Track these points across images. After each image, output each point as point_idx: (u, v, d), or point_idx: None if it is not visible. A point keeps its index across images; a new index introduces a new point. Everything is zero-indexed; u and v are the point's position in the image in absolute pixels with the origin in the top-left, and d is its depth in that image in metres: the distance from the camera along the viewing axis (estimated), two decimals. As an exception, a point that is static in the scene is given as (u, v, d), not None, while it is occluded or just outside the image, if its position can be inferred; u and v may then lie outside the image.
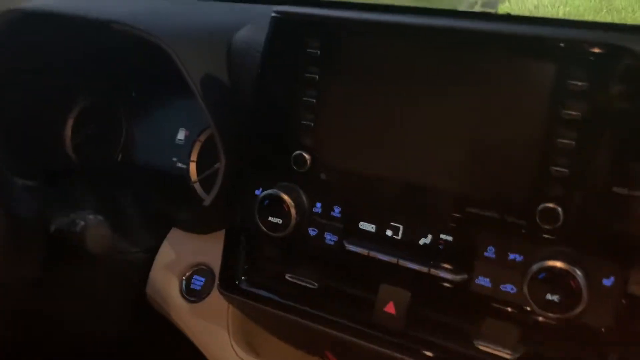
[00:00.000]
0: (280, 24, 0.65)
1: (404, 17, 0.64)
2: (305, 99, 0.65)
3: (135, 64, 0.97)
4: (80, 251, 0.63)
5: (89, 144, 1.00)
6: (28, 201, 0.59)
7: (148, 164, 0.97)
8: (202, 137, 0.92)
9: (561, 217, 0.54)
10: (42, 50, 0.88)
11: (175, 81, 0.94)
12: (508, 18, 0.91)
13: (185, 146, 0.94)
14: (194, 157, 0.91)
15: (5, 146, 0.88)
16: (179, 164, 0.94)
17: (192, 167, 0.91)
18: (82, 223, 0.62)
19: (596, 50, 0.51)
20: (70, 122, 1.00)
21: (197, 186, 0.90)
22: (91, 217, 0.64)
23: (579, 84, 0.52)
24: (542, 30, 0.58)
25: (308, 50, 0.63)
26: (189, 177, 0.91)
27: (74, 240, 0.62)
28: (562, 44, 0.53)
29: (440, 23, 0.61)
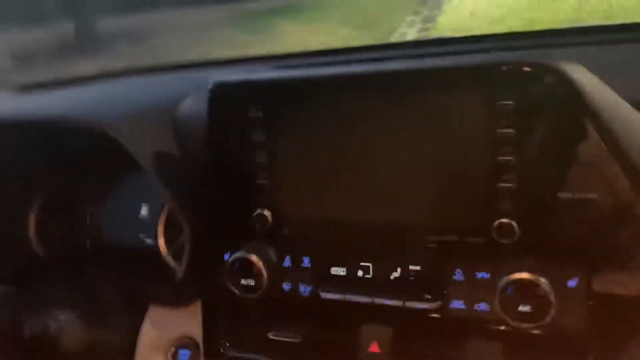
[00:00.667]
0: (219, 94, 0.67)
1: (336, 68, 0.67)
2: (257, 160, 0.66)
3: (86, 148, 0.97)
4: (55, 353, 0.62)
5: (54, 236, 0.99)
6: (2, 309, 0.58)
7: (117, 245, 0.97)
8: (166, 209, 0.92)
9: (517, 230, 0.56)
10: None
11: (129, 158, 0.96)
12: (440, 42, 0.95)
13: (150, 221, 0.94)
14: (160, 232, 0.92)
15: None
16: (148, 240, 0.94)
17: (161, 241, 0.91)
18: (54, 325, 0.62)
19: (515, 70, 0.54)
20: (32, 218, 1.00)
21: (169, 259, 0.90)
22: (62, 317, 0.63)
23: (507, 103, 0.55)
24: (466, 59, 0.61)
25: (250, 115, 0.65)
26: (159, 252, 0.91)
27: (49, 345, 0.62)
28: (485, 70, 0.56)
29: (370, 69, 0.63)
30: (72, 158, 0.97)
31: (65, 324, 0.63)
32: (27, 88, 1.10)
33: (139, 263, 0.92)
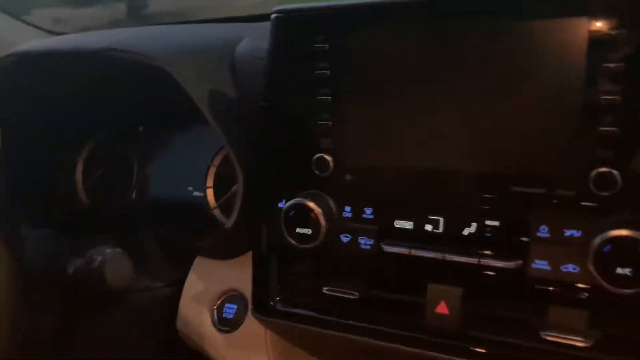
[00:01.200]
0: (283, 23, 0.61)
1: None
2: (319, 97, 0.60)
3: (137, 98, 0.94)
4: (102, 292, 0.58)
5: (101, 185, 0.97)
6: (41, 252, 0.55)
7: (163, 197, 0.93)
8: (216, 161, 0.88)
9: (619, 181, 0.49)
10: (43, 94, 0.86)
11: (180, 109, 0.92)
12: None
13: (199, 173, 0.90)
14: (209, 182, 0.88)
15: (16, 197, 0.85)
16: (196, 192, 0.91)
17: (210, 193, 0.87)
18: (100, 258, 0.58)
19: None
20: (80, 166, 0.97)
21: (217, 212, 0.86)
22: (108, 250, 0.59)
23: (617, 32, 0.47)
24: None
25: (315, 45, 0.60)
26: (207, 204, 0.87)
27: (93, 279, 0.58)
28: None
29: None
30: (124, 107, 0.94)
31: (108, 258, 0.59)
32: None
33: (185, 215, 0.89)
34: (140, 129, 0.97)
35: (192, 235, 0.80)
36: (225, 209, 0.86)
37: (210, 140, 0.89)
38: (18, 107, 0.83)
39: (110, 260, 0.59)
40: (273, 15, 0.62)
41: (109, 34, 0.77)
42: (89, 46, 0.70)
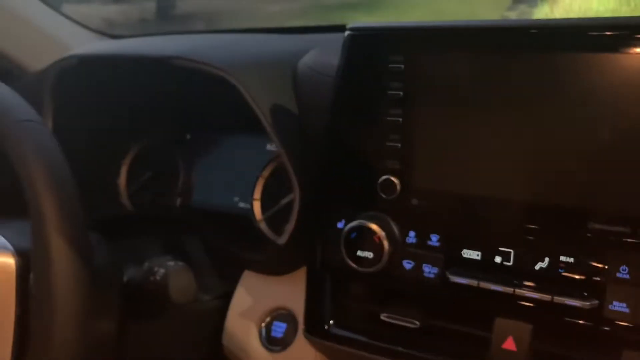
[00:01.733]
0: (357, 40, 0.60)
1: (490, 22, 0.59)
2: (389, 118, 0.59)
3: (188, 105, 0.94)
4: (154, 301, 0.57)
5: (145, 190, 0.96)
6: (101, 253, 0.54)
7: (208, 206, 0.92)
8: (265, 173, 0.87)
9: None
10: (97, 97, 0.85)
11: (229, 119, 0.91)
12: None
13: (246, 184, 0.88)
14: (257, 195, 0.86)
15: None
16: (241, 204, 0.89)
17: (256, 205, 0.86)
18: (163, 271, 0.57)
19: None
20: (124, 170, 0.97)
21: (263, 225, 0.85)
22: (172, 263, 0.58)
23: None
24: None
25: (390, 65, 0.58)
26: (253, 217, 0.86)
27: (154, 290, 0.57)
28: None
29: (539, 23, 0.55)
30: (173, 112, 0.93)
31: (172, 272, 0.58)
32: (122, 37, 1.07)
33: (231, 226, 0.87)
34: (188, 136, 0.96)
35: (239, 247, 0.79)
36: (271, 222, 0.84)
37: (259, 151, 0.88)
38: (71, 109, 0.83)
39: (174, 274, 0.58)
40: (347, 33, 0.61)
41: (172, 41, 0.77)
42: (156, 53, 0.69)
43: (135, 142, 0.97)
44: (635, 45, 0.49)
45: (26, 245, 0.54)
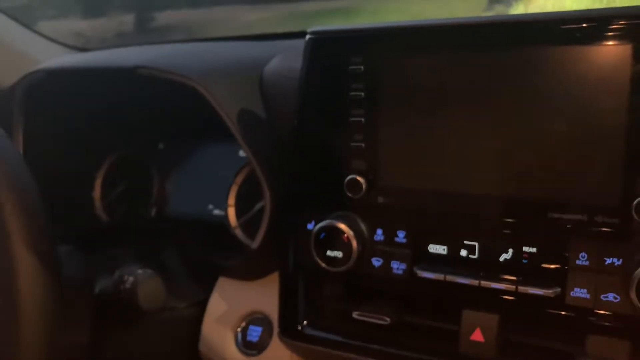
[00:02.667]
0: (318, 43, 0.61)
1: (448, 20, 0.60)
2: (352, 119, 0.60)
3: (158, 114, 0.94)
4: (127, 311, 0.57)
5: (119, 202, 0.96)
6: (72, 265, 0.54)
7: (183, 215, 0.93)
8: (238, 180, 0.87)
9: (663, 210, 0.48)
10: (66, 110, 0.86)
11: (200, 127, 0.92)
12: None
13: (220, 191, 0.89)
14: (231, 201, 0.87)
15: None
16: (216, 211, 0.90)
17: (231, 212, 0.86)
18: (132, 279, 0.57)
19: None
20: (98, 182, 0.97)
21: (238, 231, 0.85)
22: (140, 271, 0.59)
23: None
24: (613, 11, 0.53)
25: (350, 67, 0.59)
26: (228, 223, 0.86)
27: (124, 298, 0.57)
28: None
29: (495, 19, 0.56)
30: (145, 123, 0.94)
31: (140, 279, 0.58)
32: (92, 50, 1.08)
33: (206, 234, 0.88)
34: (161, 145, 0.96)
35: (214, 254, 0.79)
36: (247, 228, 0.85)
37: (232, 158, 0.89)
38: (42, 123, 0.83)
39: (143, 282, 0.58)
40: (308, 36, 0.62)
41: (139, 52, 0.77)
42: (122, 64, 0.70)
43: (109, 154, 0.97)
44: (597, 38, 0.50)
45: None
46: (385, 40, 0.59)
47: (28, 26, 1.04)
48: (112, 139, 0.94)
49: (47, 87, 0.79)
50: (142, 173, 0.95)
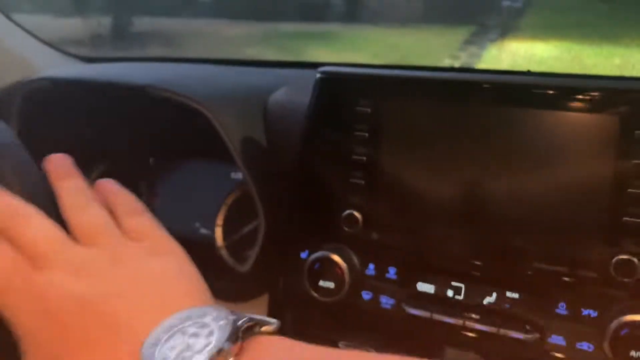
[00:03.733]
0: (327, 83, 0.64)
1: (458, 74, 0.64)
2: (354, 157, 0.63)
3: (152, 130, 0.95)
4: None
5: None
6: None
7: (169, 231, 0.93)
8: (228, 201, 0.89)
9: (638, 269, 0.52)
10: (61, 119, 0.86)
11: (193, 145, 0.93)
12: (528, 74, 0.92)
13: (208, 211, 0.90)
14: (219, 221, 0.88)
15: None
16: (203, 230, 0.91)
17: (218, 231, 0.88)
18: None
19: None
20: (85, 190, 0.96)
21: (224, 252, 0.87)
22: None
23: (646, 132, 0.52)
24: (597, 82, 0.58)
25: (357, 108, 0.63)
26: (215, 243, 0.88)
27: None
28: (624, 94, 0.53)
29: (492, 78, 0.61)
30: (137, 136, 0.94)
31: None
32: (96, 61, 1.08)
33: (192, 253, 0.88)
34: (151, 160, 0.97)
35: (201, 273, 0.80)
36: (232, 249, 0.86)
37: (223, 179, 0.90)
38: (35, 129, 0.83)
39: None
40: (318, 76, 0.65)
41: (146, 70, 0.79)
42: (132, 81, 0.71)
43: (97, 165, 0.97)
44: (593, 110, 0.54)
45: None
46: (392, 86, 0.62)
47: (24, 27, 1.03)
48: (103, 151, 0.94)
49: (47, 95, 0.80)
50: (130, 187, 0.95)
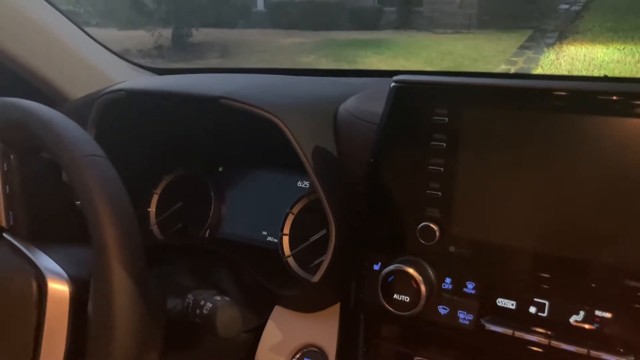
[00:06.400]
0: (403, 92, 0.63)
1: (530, 81, 0.62)
2: (431, 167, 0.62)
3: (222, 138, 0.96)
4: (200, 335, 0.59)
5: (174, 220, 0.98)
6: (152, 285, 0.56)
7: (236, 238, 0.94)
8: (295, 209, 0.89)
9: None
10: (135, 128, 0.88)
11: (261, 154, 0.94)
12: (605, 79, 0.89)
13: (275, 219, 0.91)
14: (286, 230, 0.88)
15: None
16: (270, 238, 0.91)
17: (285, 240, 0.88)
18: (210, 305, 0.59)
19: None
20: (155, 198, 0.99)
21: (291, 260, 0.87)
22: (218, 298, 0.60)
23: None
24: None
25: (434, 118, 0.61)
26: (282, 251, 0.88)
27: (201, 324, 0.59)
28: None
29: (571, 85, 0.58)
30: (207, 145, 0.96)
31: (219, 306, 0.59)
32: (165, 72, 1.11)
33: (259, 260, 0.89)
34: (220, 168, 0.98)
35: (269, 281, 0.80)
36: (299, 258, 0.86)
37: (290, 188, 0.91)
38: (111, 138, 0.85)
39: (221, 309, 0.59)
40: (393, 85, 0.64)
41: (217, 81, 0.80)
42: (205, 92, 0.72)
43: (168, 172, 0.99)
44: None
45: (79, 273, 0.56)
46: (470, 95, 0.61)
47: (99, 41, 1.07)
48: (174, 158, 0.96)
49: (122, 105, 0.82)
50: (200, 194, 0.97)
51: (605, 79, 0.90)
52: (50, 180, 0.63)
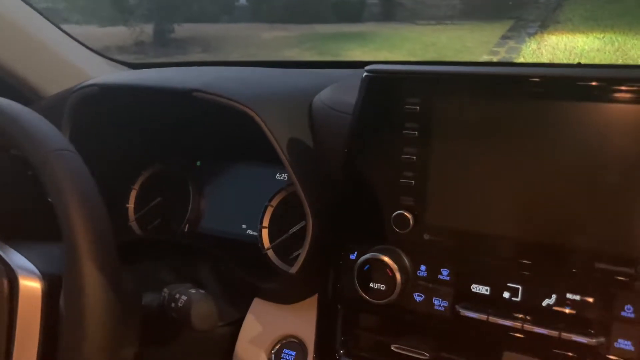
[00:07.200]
0: (375, 81, 0.63)
1: (501, 69, 0.62)
2: (404, 156, 0.62)
3: (199, 133, 0.96)
4: (175, 328, 0.59)
5: (153, 215, 0.97)
6: (125, 280, 0.55)
7: (216, 232, 0.94)
8: (274, 202, 0.89)
9: None
10: (111, 123, 0.88)
11: (239, 148, 0.94)
12: (579, 66, 0.89)
13: (254, 212, 0.90)
14: (265, 222, 0.88)
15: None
16: (249, 231, 0.91)
17: (265, 233, 0.88)
18: (185, 298, 0.59)
19: None
20: (133, 194, 0.98)
21: (271, 253, 0.87)
22: (193, 291, 0.60)
23: None
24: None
25: (406, 107, 0.61)
26: (261, 244, 0.88)
27: (176, 317, 0.59)
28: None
29: (544, 72, 0.58)
30: (185, 139, 0.95)
31: (194, 299, 0.59)
32: (141, 67, 1.10)
33: (239, 253, 0.89)
34: (198, 163, 0.98)
35: (249, 274, 0.80)
36: (279, 250, 0.86)
37: (268, 181, 0.90)
38: (86, 134, 0.85)
39: (196, 302, 0.59)
40: (365, 74, 0.64)
41: (192, 74, 0.79)
42: (178, 85, 0.72)
43: (146, 168, 0.98)
44: None
45: (51, 269, 0.55)
46: (442, 83, 0.61)
47: (75, 38, 1.06)
48: (152, 154, 0.96)
49: (97, 100, 0.81)
50: (179, 189, 0.96)
51: (579, 66, 0.91)
52: (20, 177, 0.62)
